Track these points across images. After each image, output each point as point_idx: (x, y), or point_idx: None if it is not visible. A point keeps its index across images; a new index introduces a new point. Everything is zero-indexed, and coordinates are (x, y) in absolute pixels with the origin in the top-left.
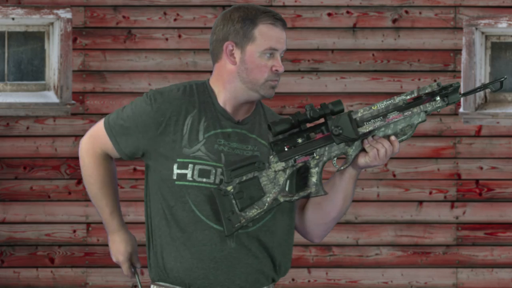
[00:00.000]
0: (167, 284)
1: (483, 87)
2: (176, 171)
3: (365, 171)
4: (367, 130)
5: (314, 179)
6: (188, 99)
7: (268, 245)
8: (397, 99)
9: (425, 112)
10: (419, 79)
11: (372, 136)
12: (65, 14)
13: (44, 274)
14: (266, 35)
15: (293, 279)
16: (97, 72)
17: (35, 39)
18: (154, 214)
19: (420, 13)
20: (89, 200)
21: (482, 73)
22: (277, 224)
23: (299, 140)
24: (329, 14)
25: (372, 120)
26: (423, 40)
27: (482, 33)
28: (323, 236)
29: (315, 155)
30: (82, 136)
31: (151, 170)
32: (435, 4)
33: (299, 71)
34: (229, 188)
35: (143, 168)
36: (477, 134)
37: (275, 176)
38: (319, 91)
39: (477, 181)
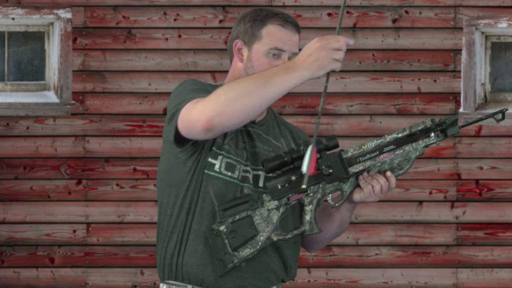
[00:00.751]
0: (178, 283)
1: (485, 117)
2: (208, 159)
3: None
4: (358, 170)
5: (308, 217)
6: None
7: (280, 244)
8: (388, 138)
9: (416, 149)
10: (419, 79)
11: (368, 172)
12: (65, 14)
13: (44, 274)
14: (273, 35)
15: (293, 279)
16: (97, 72)
17: (35, 39)
18: (174, 205)
19: (420, 13)
20: (89, 200)
21: (482, 73)
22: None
23: (293, 178)
24: (329, 14)
25: (363, 161)
26: (423, 40)
27: (482, 33)
28: (316, 249)
29: (309, 192)
30: (82, 136)
31: (182, 157)
32: (435, 4)
33: None
34: (222, 228)
35: (143, 168)
36: (477, 134)
37: (268, 214)
38: (319, 91)
39: (477, 181)
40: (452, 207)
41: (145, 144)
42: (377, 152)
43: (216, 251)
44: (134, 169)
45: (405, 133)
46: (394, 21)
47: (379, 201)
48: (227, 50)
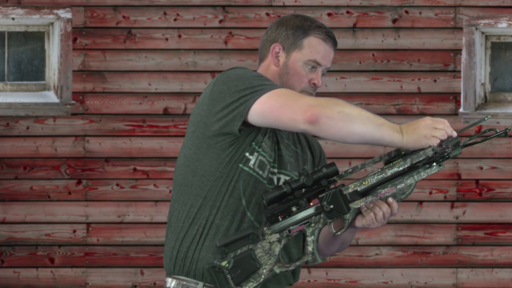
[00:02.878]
0: (189, 279)
1: (488, 138)
2: (246, 153)
3: (365, 171)
4: (358, 206)
5: (310, 247)
6: None
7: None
8: (389, 173)
9: (421, 178)
10: (419, 79)
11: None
12: (65, 14)
13: (44, 274)
14: (314, 47)
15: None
16: (97, 72)
17: (35, 39)
18: (197, 196)
19: (420, 13)
20: (89, 200)
21: (482, 73)
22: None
23: (294, 209)
24: (329, 14)
25: (363, 198)
26: (423, 40)
27: (482, 33)
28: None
29: (310, 223)
30: (82, 136)
31: (221, 146)
32: (435, 4)
33: None
34: (224, 263)
35: (143, 168)
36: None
37: (270, 247)
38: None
39: (477, 181)
40: (452, 207)
41: (145, 144)
42: (378, 188)
43: (219, 286)
44: (134, 169)
45: (406, 166)
46: (394, 21)
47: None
48: (260, 49)
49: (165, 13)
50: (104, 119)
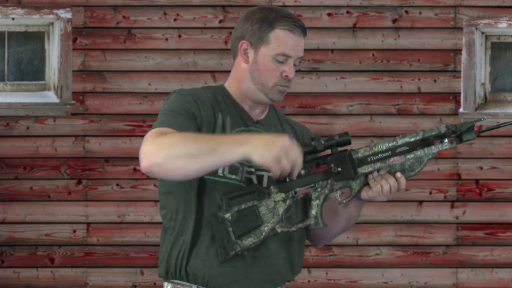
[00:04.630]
0: (183, 282)
1: (503, 124)
2: None
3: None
4: (367, 171)
5: (314, 211)
6: (213, 97)
7: (286, 244)
8: (400, 142)
9: (430, 154)
10: (419, 79)
11: (378, 171)
12: (65, 14)
13: (44, 274)
14: (281, 40)
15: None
16: (97, 72)
17: (35, 39)
18: (179, 210)
19: (420, 13)
20: (89, 200)
21: (482, 73)
22: (297, 221)
23: (302, 172)
24: (329, 14)
25: (372, 162)
26: (423, 40)
27: (482, 33)
28: (325, 243)
29: (316, 187)
30: (82, 136)
31: None
32: (435, 4)
33: (299, 71)
34: (227, 215)
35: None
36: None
37: (274, 206)
38: (319, 91)
39: (477, 181)
40: (452, 207)
41: None
42: (388, 154)
43: (219, 237)
44: (134, 169)
45: (418, 138)
46: (394, 21)
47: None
48: (231, 48)
49: (165, 13)
50: (104, 119)
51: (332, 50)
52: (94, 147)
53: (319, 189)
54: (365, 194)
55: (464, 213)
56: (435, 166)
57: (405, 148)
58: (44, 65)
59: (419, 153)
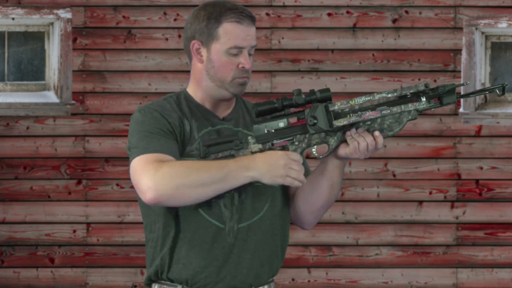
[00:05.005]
0: (169, 282)
1: (485, 90)
2: None
3: (365, 171)
4: (341, 124)
5: None
6: (176, 105)
7: (268, 238)
8: (377, 96)
9: (408, 112)
10: (419, 79)
11: (356, 129)
12: (65, 14)
13: (44, 274)
14: (230, 33)
15: (293, 279)
16: (97, 72)
17: (35, 39)
18: (157, 215)
19: (420, 13)
20: (89, 200)
21: (482, 73)
22: (276, 214)
23: (281, 124)
24: (329, 14)
25: (348, 116)
26: (423, 40)
27: (482, 33)
28: (313, 224)
29: (294, 140)
30: (82, 136)
31: None
32: (435, 4)
33: (299, 71)
34: None
35: None
36: (477, 134)
37: None
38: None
39: (477, 181)
40: (452, 207)
41: None
42: (364, 109)
43: None
44: None
45: (395, 94)
46: (394, 21)
47: (379, 201)
48: (184, 49)
49: (165, 13)
50: (104, 119)
51: (332, 50)
52: (94, 147)
53: (296, 143)
54: (342, 151)
55: (464, 213)
56: (435, 166)
57: (383, 106)
58: (44, 65)
59: (395, 109)
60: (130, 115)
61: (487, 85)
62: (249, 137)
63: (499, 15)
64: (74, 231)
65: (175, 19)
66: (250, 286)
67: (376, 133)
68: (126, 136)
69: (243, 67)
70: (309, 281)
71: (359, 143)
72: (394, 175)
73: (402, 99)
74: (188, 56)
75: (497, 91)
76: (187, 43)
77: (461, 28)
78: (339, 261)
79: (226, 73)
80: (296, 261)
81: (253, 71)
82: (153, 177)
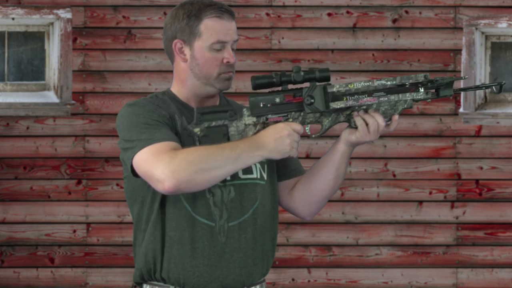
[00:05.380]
0: (161, 284)
1: (481, 86)
2: None
3: (365, 171)
4: (338, 107)
5: None
6: (163, 102)
7: (259, 236)
8: (376, 83)
9: (404, 101)
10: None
11: (349, 109)
12: (65, 14)
13: (44, 274)
14: (212, 29)
15: (293, 279)
16: (97, 72)
17: (35, 39)
18: (146, 215)
19: (420, 13)
20: (89, 200)
21: (482, 73)
22: (266, 212)
23: (277, 100)
24: (329, 14)
25: (344, 99)
26: (423, 40)
27: (482, 33)
28: (314, 214)
29: (288, 117)
30: (82, 136)
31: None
32: (435, 4)
33: None
34: (196, 130)
35: None
36: (477, 134)
37: (244, 128)
38: None
39: (477, 181)
40: (452, 207)
41: None
42: (361, 94)
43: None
44: None
45: (394, 82)
46: (394, 21)
47: (379, 201)
48: (165, 51)
49: (165, 13)
50: (104, 119)
51: (332, 50)
52: (94, 147)
53: (290, 120)
54: (352, 136)
55: (464, 213)
56: (435, 166)
57: (381, 93)
58: (44, 65)
59: (393, 97)
60: None
61: None
62: (244, 109)
63: (499, 15)
64: (74, 231)
65: None
66: (242, 286)
67: (396, 117)
68: None
69: (227, 62)
70: (309, 281)
71: (368, 123)
72: (394, 175)
73: (400, 88)
74: (170, 57)
75: (493, 88)
76: (168, 43)
77: (461, 28)
78: (339, 261)
79: (211, 69)
80: (296, 261)
81: (253, 71)
82: (169, 165)
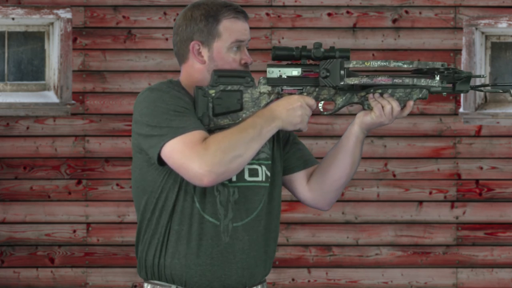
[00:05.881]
0: (162, 283)
1: (498, 86)
2: None
3: (365, 171)
4: (352, 83)
5: None
6: (183, 90)
7: (262, 238)
8: (392, 64)
9: (419, 87)
10: None
11: (381, 94)
12: (65, 14)
13: (44, 274)
14: (230, 29)
15: (293, 279)
16: (97, 72)
17: (35, 39)
18: (153, 210)
19: (420, 13)
20: (89, 200)
21: (482, 73)
22: (271, 213)
23: (294, 72)
24: (329, 14)
25: (360, 76)
26: (423, 40)
27: (482, 33)
28: (332, 203)
29: (303, 91)
30: (82, 136)
31: (157, 164)
32: (435, 4)
33: None
34: (211, 91)
35: None
36: (477, 134)
37: (258, 97)
38: None
39: (477, 181)
40: (452, 207)
41: None
42: (377, 75)
43: (199, 108)
44: None
45: (410, 66)
46: (394, 21)
47: (379, 201)
48: (177, 52)
49: (165, 13)
50: (104, 119)
51: None
52: (94, 147)
53: (305, 93)
54: (367, 117)
55: (464, 213)
56: (435, 166)
57: (396, 75)
58: (44, 65)
59: (408, 80)
60: (130, 115)
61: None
62: (261, 78)
63: (499, 15)
64: (74, 231)
65: (175, 19)
66: (244, 286)
67: (410, 102)
68: (126, 136)
69: (245, 63)
70: (309, 281)
71: (384, 106)
72: (394, 175)
73: (415, 73)
74: (181, 58)
75: (510, 91)
76: (183, 45)
77: (461, 28)
78: (339, 261)
79: None
80: (296, 261)
81: (253, 71)
82: (204, 158)
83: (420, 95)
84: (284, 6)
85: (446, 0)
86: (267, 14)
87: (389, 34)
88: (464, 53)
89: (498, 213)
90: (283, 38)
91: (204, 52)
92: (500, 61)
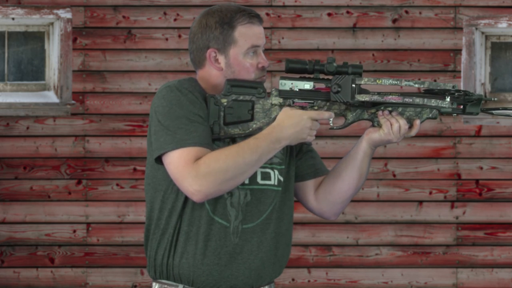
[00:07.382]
0: (170, 282)
1: (507, 109)
2: None
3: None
4: (362, 99)
5: None
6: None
7: (272, 240)
8: (403, 83)
9: (429, 107)
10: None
11: (390, 112)
12: (65, 14)
13: (44, 274)
14: (246, 35)
15: (293, 279)
16: (97, 72)
17: (35, 39)
18: (162, 209)
19: (420, 13)
20: (89, 200)
21: (482, 73)
22: (282, 217)
23: (306, 86)
24: (329, 14)
25: (371, 93)
26: (423, 40)
27: (482, 33)
28: (339, 214)
29: (314, 105)
30: (82, 136)
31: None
32: (435, 4)
33: None
34: (223, 100)
35: (143, 168)
36: (477, 134)
37: (270, 108)
38: None
39: (477, 181)
40: (452, 207)
41: (145, 144)
42: (387, 93)
43: (210, 116)
44: (134, 169)
45: (422, 86)
46: (394, 21)
47: (379, 201)
48: (193, 59)
49: (165, 13)
50: (104, 119)
51: (332, 50)
52: (94, 147)
53: (316, 108)
54: (375, 134)
55: (464, 213)
56: (435, 166)
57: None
58: (44, 65)
59: (418, 100)
60: (130, 115)
61: (487, 85)
62: (273, 89)
63: (499, 15)
64: (74, 231)
65: (175, 19)
66: (251, 287)
67: (417, 121)
68: (126, 136)
69: (262, 67)
70: (309, 281)
71: (392, 124)
72: (394, 175)
73: (426, 93)
74: (198, 65)
75: None
76: (200, 53)
77: (461, 28)
78: (339, 261)
79: (247, 75)
80: (296, 261)
81: None
82: (195, 178)
83: (430, 115)
84: (284, 6)
85: (446, 0)
86: (267, 14)
87: (389, 34)
88: (464, 53)
89: (498, 213)
90: (283, 38)
91: (221, 59)
92: (500, 61)
